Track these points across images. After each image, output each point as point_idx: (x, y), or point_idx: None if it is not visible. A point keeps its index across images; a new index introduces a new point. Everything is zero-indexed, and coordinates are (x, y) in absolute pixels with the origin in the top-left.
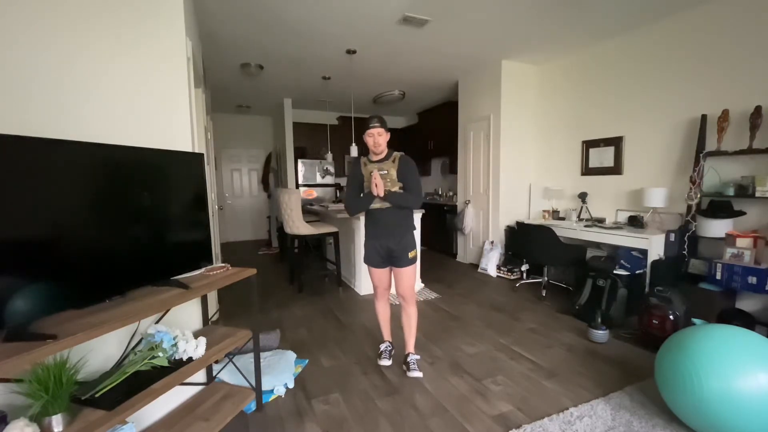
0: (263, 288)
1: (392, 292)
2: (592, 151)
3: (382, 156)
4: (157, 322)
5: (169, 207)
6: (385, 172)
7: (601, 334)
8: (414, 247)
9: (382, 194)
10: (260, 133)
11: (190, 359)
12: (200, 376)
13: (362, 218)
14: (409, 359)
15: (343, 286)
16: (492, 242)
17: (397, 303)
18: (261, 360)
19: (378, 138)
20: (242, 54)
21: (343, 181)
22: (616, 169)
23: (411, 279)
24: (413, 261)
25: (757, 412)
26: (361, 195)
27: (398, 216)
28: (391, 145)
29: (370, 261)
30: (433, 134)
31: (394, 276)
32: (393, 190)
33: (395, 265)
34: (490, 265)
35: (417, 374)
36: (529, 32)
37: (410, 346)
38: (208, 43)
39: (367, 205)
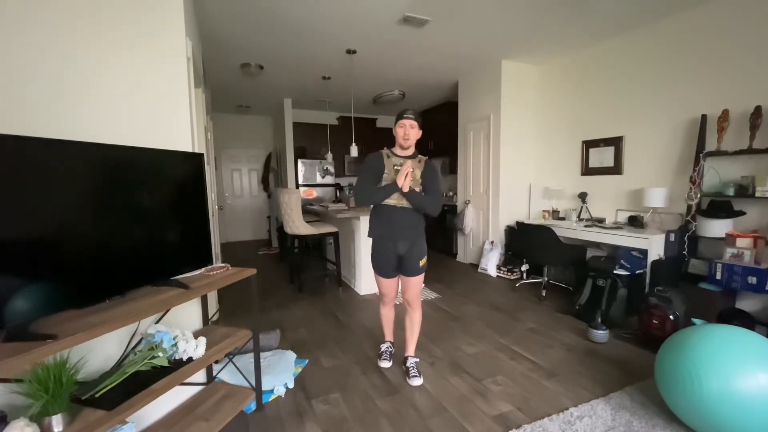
0: (263, 288)
1: None
2: (592, 151)
3: (409, 153)
4: (157, 322)
5: (169, 207)
6: (412, 169)
7: (601, 334)
8: (425, 254)
9: (406, 188)
10: (260, 133)
11: (190, 359)
12: (200, 376)
13: (362, 218)
14: (408, 363)
15: (343, 286)
16: (492, 242)
17: (398, 303)
18: (261, 360)
19: (410, 130)
20: (242, 54)
21: (343, 181)
22: (616, 169)
23: (419, 286)
24: (423, 269)
25: (757, 412)
26: (380, 186)
27: (413, 218)
28: (391, 144)
29: (381, 270)
30: (433, 134)
31: (402, 283)
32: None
33: (405, 273)
34: (490, 265)
35: (417, 382)
36: (529, 32)
37: (410, 350)
38: (208, 43)
39: (385, 197)
